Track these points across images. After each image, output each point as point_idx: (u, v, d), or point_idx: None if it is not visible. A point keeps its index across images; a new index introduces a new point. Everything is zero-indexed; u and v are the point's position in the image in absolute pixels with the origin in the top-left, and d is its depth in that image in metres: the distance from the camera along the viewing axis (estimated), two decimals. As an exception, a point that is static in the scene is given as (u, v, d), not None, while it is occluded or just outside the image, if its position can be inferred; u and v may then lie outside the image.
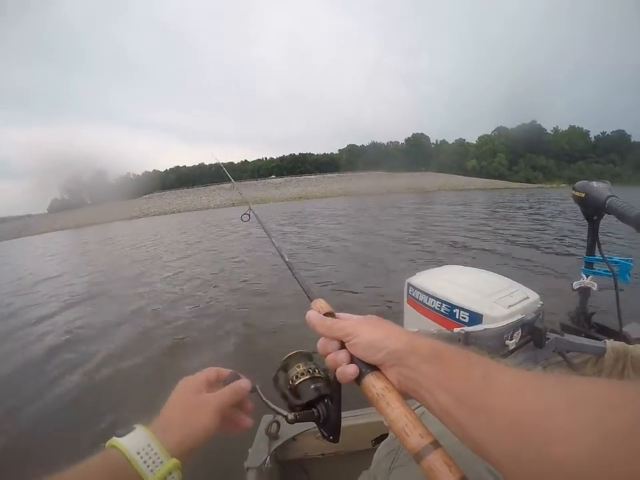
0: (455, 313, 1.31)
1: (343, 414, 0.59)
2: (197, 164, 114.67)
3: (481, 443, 0.38)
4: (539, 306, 1.37)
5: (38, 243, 23.79)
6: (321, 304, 0.62)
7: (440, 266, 1.72)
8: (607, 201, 1.47)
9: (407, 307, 1.56)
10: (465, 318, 1.29)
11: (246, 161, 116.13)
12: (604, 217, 1.60)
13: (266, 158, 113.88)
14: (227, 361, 3.43)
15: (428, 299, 1.42)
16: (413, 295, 1.51)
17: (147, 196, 73.93)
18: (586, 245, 1.71)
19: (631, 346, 1.33)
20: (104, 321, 5.09)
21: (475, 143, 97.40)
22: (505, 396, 0.38)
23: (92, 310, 5.88)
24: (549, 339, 1.28)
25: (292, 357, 0.66)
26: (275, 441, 1.20)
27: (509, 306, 1.28)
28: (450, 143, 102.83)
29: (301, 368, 0.63)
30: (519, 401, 0.36)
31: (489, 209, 18.14)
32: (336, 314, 0.59)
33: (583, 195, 1.57)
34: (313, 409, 0.58)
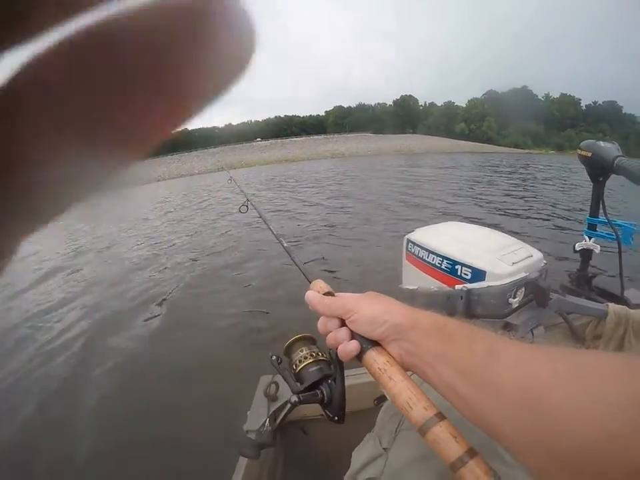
0: (457, 269, 1.27)
1: (346, 372, 0.59)
2: (179, 129, 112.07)
3: (486, 417, 0.37)
4: (543, 265, 1.34)
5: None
6: (320, 284, 0.62)
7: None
8: (616, 161, 1.42)
9: (406, 264, 1.51)
10: (467, 275, 1.25)
11: (230, 124, 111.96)
12: (610, 177, 1.56)
13: (251, 121, 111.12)
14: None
15: (428, 255, 1.37)
16: (412, 251, 1.45)
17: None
18: (590, 206, 1.67)
19: (632, 310, 1.31)
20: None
21: (464, 106, 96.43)
22: (510, 369, 0.37)
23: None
24: (551, 299, 1.25)
25: (295, 341, 0.67)
26: (274, 403, 1.18)
27: (513, 263, 1.23)
28: (439, 105, 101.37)
29: (304, 352, 0.64)
30: (526, 374, 0.36)
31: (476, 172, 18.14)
32: (335, 293, 0.59)
33: (589, 154, 1.51)
34: (317, 390, 0.58)
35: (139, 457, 2.02)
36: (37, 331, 3.63)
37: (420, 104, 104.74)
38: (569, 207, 8.60)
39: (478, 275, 1.22)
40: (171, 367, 2.84)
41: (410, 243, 1.48)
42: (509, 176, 16.11)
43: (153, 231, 8.18)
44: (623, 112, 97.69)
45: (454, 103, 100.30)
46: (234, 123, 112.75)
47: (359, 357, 0.50)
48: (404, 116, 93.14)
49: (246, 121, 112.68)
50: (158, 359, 3.00)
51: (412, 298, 1.39)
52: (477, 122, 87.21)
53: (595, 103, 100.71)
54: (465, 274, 1.25)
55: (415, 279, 1.43)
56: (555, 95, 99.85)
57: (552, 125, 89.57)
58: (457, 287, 1.24)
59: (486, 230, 1.55)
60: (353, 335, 0.50)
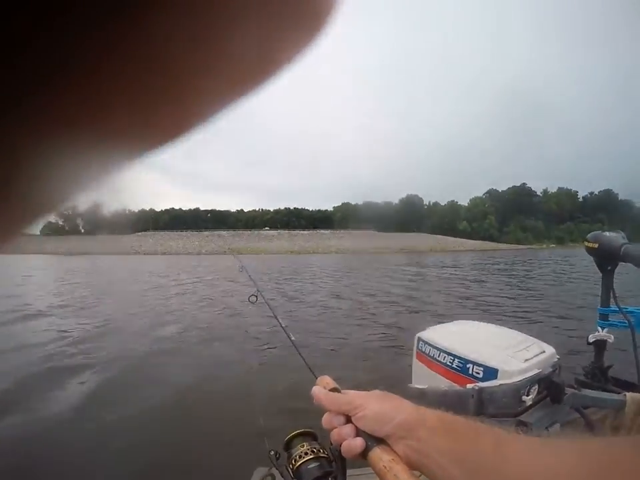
0: (468, 368, 1.27)
1: (349, 472, 0.57)
2: (192, 208, 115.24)
3: None
4: (556, 360, 1.32)
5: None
6: (326, 380, 0.62)
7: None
8: (622, 249, 1.46)
9: (416, 363, 1.51)
10: (478, 373, 1.24)
11: (242, 210, 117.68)
12: (618, 266, 1.59)
13: (261, 209, 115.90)
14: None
15: (439, 354, 1.37)
16: (423, 349, 1.46)
17: (140, 234, 74.88)
18: (600, 297, 1.67)
19: None
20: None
21: (466, 205, 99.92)
22: (519, 465, 0.36)
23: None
24: (566, 394, 1.22)
25: (295, 436, 0.64)
26: None
27: (525, 360, 1.23)
28: (442, 204, 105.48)
29: (305, 447, 0.61)
30: (535, 470, 0.35)
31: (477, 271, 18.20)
32: (341, 390, 0.59)
33: (596, 245, 1.56)
34: None
35: None
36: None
37: (425, 203, 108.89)
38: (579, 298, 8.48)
39: (490, 373, 1.22)
40: (166, 452, 2.76)
41: (421, 342, 1.49)
42: (511, 272, 16.17)
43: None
44: (619, 199, 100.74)
45: (457, 202, 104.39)
46: (245, 210, 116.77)
47: (364, 455, 0.48)
48: (409, 214, 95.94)
49: (257, 209, 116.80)
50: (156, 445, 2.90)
51: (421, 397, 1.36)
52: (479, 220, 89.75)
53: (591, 193, 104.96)
54: (476, 372, 1.25)
55: (425, 378, 1.42)
56: (553, 189, 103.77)
57: (551, 219, 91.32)
58: (469, 386, 1.22)
59: (497, 328, 1.56)
60: (358, 432, 0.50)
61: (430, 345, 1.43)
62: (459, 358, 1.31)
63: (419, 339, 1.51)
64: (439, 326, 1.60)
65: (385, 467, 0.45)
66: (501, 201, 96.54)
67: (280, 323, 0.98)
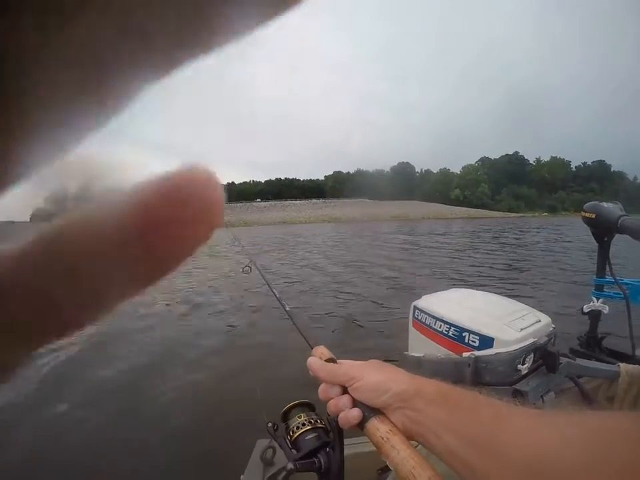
0: (464, 336, 1.26)
1: (346, 441, 0.58)
2: None
3: None
4: (551, 329, 1.33)
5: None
6: (322, 350, 0.62)
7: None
8: (620, 221, 1.45)
9: (412, 331, 1.51)
10: (474, 342, 1.24)
11: (233, 182, 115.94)
12: (614, 237, 1.58)
13: (253, 181, 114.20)
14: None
15: (435, 322, 1.37)
16: (419, 318, 1.46)
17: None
18: (596, 267, 1.68)
19: None
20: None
21: (459, 172, 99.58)
22: (517, 437, 0.36)
23: None
24: (561, 363, 1.23)
25: (292, 407, 0.65)
26: (270, 468, 1.13)
27: (521, 329, 1.23)
28: (435, 172, 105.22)
29: (302, 418, 0.62)
30: (533, 442, 0.35)
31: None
32: (337, 360, 0.59)
33: (593, 215, 1.55)
34: (314, 459, 0.56)
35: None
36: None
37: (417, 170, 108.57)
38: (575, 267, 8.64)
39: (486, 341, 1.22)
40: (161, 426, 2.78)
41: (417, 310, 1.49)
42: (505, 241, 16.39)
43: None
44: (612, 170, 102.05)
45: (449, 169, 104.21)
46: (236, 182, 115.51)
47: (361, 425, 0.49)
48: (401, 183, 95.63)
49: (248, 181, 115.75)
50: (148, 416, 2.94)
51: (418, 365, 1.37)
52: (472, 188, 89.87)
53: (584, 163, 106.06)
54: (472, 341, 1.25)
55: (421, 346, 1.42)
56: (546, 158, 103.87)
57: (544, 188, 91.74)
58: (465, 354, 1.23)
59: (493, 296, 1.56)
60: (355, 403, 0.50)
61: (426, 313, 1.43)
62: (455, 326, 1.30)
63: (415, 307, 1.50)
64: (434, 294, 1.60)
65: (383, 438, 0.45)
66: (494, 169, 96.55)
67: (274, 293, 0.97)
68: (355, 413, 0.49)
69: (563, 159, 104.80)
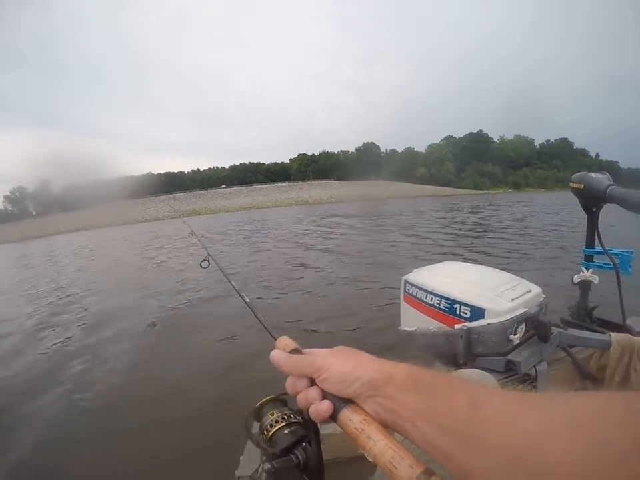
0: (456, 308, 1.26)
1: (324, 431, 0.57)
2: (144, 173, 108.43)
3: (473, 476, 0.34)
4: (542, 299, 1.33)
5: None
6: (285, 341, 0.60)
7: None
8: (608, 190, 1.44)
9: (404, 305, 1.50)
10: (466, 313, 1.23)
11: (198, 169, 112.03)
12: (603, 207, 1.58)
13: (217, 167, 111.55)
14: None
15: (426, 296, 1.36)
16: (410, 292, 1.45)
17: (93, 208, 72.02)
18: (585, 238, 1.68)
19: (636, 338, 1.29)
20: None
21: (424, 152, 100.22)
22: (497, 424, 0.34)
23: None
24: (552, 333, 1.23)
25: (263, 404, 0.62)
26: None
27: (512, 299, 1.23)
28: (400, 151, 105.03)
29: (275, 415, 0.59)
30: (514, 428, 0.33)
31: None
32: (302, 350, 0.56)
33: (582, 186, 1.54)
34: (292, 455, 0.54)
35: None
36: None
37: (382, 150, 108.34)
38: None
39: (477, 313, 1.21)
40: (155, 412, 2.79)
41: (407, 284, 1.47)
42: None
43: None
44: (575, 147, 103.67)
45: (414, 148, 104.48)
46: (201, 169, 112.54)
47: (333, 417, 0.47)
48: (367, 163, 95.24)
49: (212, 167, 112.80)
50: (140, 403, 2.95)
51: (411, 339, 1.37)
52: (437, 166, 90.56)
53: (547, 141, 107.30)
54: (464, 313, 1.24)
55: (413, 320, 1.41)
56: (509, 136, 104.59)
57: (508, 165, 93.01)
58: (457, 326, 1.22)
59: (483, 268, 1.56)
60: (325, 394, 0.48)
61: (416, 286, 1.42)
62: (446, 299, 1.30)
63: (405, 282, 1.49)
64: (424, 267, 1.58)
65: (357, 429, 0.43)
66: (459, 147, 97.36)
67: (233, 286, 0.96)
68: (325, 406, 0.46)
69: (527, 136, 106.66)
